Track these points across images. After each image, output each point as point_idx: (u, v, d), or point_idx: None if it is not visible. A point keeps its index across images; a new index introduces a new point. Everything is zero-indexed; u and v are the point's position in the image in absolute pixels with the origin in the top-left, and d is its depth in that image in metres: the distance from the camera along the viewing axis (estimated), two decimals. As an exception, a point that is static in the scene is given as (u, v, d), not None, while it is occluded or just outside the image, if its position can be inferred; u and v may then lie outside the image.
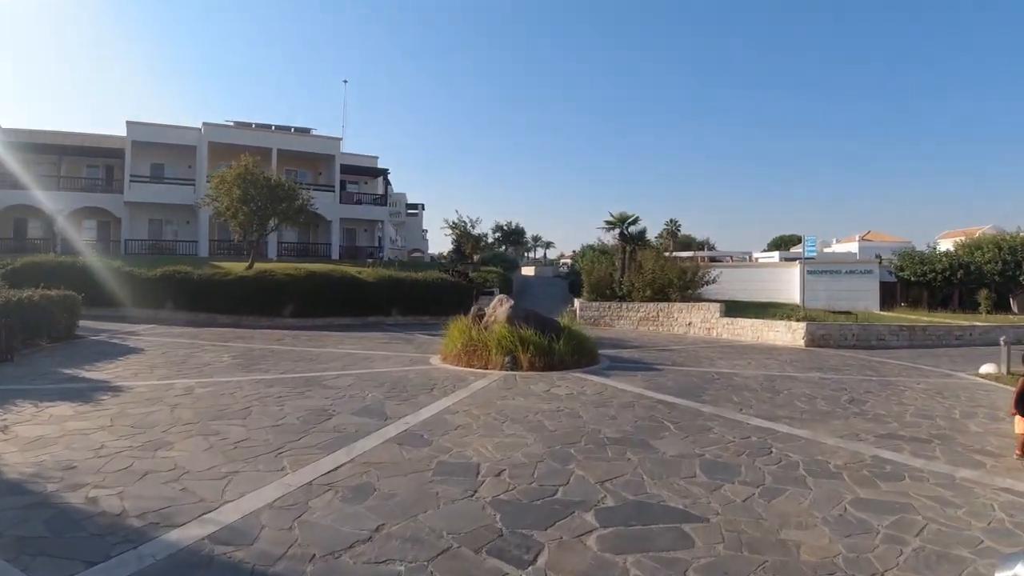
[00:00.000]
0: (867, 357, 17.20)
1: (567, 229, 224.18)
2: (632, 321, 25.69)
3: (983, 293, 30.98)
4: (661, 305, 25.24)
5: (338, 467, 6.07)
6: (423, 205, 69.28)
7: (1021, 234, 35.52)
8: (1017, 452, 7.14)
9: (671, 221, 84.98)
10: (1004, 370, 13.49)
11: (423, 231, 67.34)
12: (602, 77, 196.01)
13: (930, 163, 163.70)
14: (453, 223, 46.90)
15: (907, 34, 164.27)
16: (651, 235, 44.58)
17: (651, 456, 6.75)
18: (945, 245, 43.94)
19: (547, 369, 12.42)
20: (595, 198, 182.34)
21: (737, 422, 8.46)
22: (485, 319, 14.22)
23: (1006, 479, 6.27)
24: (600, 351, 15.11)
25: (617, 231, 30.89)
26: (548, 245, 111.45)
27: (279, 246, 39.62)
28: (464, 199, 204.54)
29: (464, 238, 46.71)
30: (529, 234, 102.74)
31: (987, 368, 13.96)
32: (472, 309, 14.76)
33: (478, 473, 6.02)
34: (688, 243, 73.78)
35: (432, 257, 56.04)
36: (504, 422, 8.14)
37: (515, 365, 12.41)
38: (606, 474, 6.07)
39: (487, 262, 43.17)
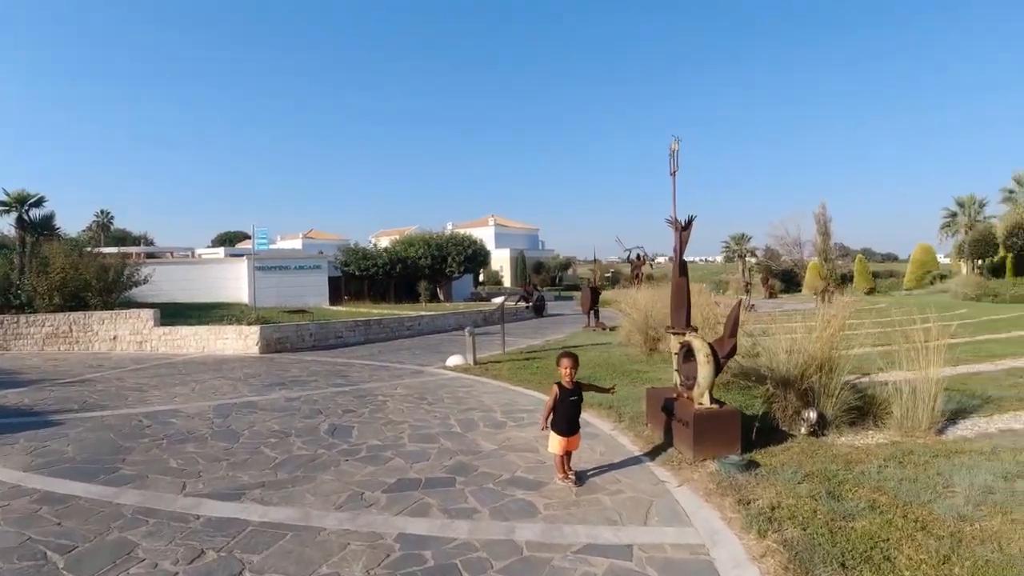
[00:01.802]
0: (331, 360, 15.39)
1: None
2: (37, 340, 18.71)
3: (423, 284, 33.47)
4: (76, 315, 18.95)
5: None
6: None
7: (446, 232, 40.02)
8: (559, 475, 5.66)
9: (102, 212, 72.96)
10: (471, 360, 13.11)
11: None
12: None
13: (363, 169, 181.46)
14: None
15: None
16: (76, 228, 35.99)
17: None
18: (384, 242, 47.17)
19: None
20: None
21: (181, 519, 4.89)
22: None
23: (577, 527, 4.55)
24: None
25: (15, 215, 22.83)
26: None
27: None
28: None
29: None
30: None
31: (454, 360, 13.43)
32: None
33: None
34: (123, 237, 64.28)
35: None
36: None
37: None
38: None
39: None
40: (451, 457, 6.43)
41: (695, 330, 6.80)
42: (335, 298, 34.87)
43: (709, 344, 6.28)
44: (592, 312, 22.64)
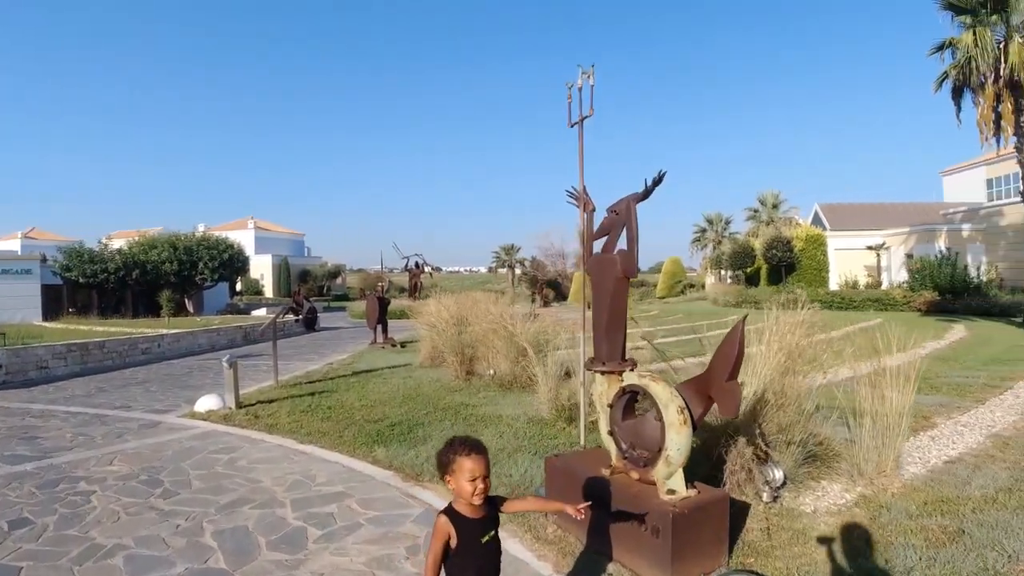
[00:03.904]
0: (22, 406, 10.53)
1: None
2: None
3: (165, 295, 27.84)
4: None
5: None
6: None
7: (197, 234, 34.16)
8: None
9: None
10: (232, 401, 9.35)
11: None
12: None
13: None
14: None
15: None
16: None
17: None
18: (119, 244, 39.70)
19: None
20: None
21: None
22: None
23: None
24: None
25: None
26: None
27: None
28: None
29: None
30: None
31: (208, 402, 9.31)
32: None
33: None
34: None
35: None
36: None
37: None
38: None
39: None
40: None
41: (633, 366, 4.24)
42: (54, 312, 28.15)
43: (681, 394, 3.75)
44: (379, 326, 19.48)
